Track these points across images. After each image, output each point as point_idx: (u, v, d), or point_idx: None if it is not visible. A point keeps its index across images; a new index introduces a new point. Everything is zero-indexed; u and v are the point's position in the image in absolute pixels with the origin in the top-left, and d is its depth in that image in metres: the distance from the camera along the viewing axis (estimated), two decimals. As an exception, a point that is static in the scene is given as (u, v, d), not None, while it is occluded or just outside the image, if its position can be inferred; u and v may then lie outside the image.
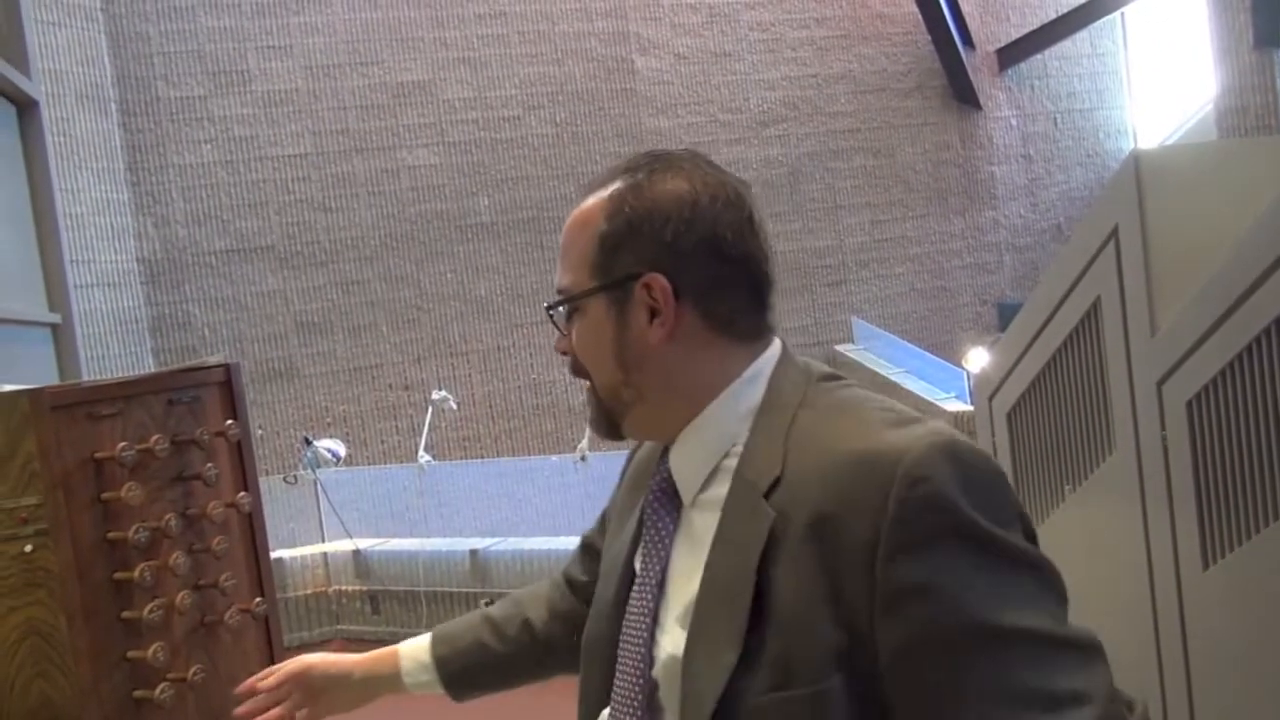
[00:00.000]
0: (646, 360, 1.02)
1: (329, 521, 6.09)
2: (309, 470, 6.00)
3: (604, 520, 1.36)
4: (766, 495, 0.94)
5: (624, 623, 1.07)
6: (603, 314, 1.02)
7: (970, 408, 8.32)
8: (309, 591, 5.85)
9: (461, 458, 9.00)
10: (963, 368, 9.80)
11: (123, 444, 1.68)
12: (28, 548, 1.57)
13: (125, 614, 1.68)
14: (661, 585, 1.03)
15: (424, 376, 9.53)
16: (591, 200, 1.04)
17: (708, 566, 0.97)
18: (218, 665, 1.84)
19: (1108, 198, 2.05)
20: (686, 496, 1.05)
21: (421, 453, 6.00)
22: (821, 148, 11.24)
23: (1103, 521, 2.15)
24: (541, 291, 9.81)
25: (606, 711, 1.08)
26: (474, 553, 5.46)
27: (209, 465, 1.85)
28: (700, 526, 1.03)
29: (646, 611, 1.03)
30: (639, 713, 1.01)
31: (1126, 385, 1.96)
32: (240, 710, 1.31)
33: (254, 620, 1.94)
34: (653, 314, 1.00)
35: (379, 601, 5.81)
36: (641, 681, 1.01)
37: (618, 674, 1.05)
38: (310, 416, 9.14)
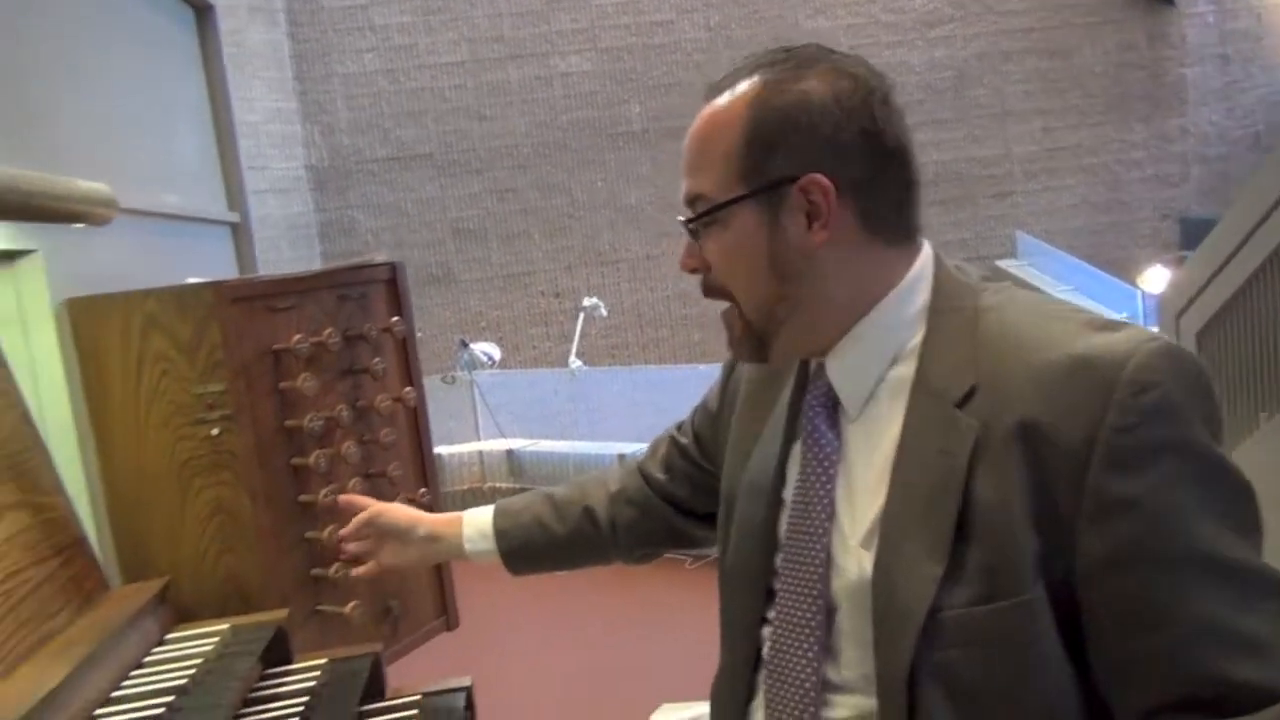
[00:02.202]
0: (805, 269, 0.96)
1: (484, 421, 6.31)
2: (465, 372, 6.21)
3: (695, 424, 1.33)
4: (960, 405, 0.90)
5: (786, 547, 1.03)
6: (753, 223, 0.96)
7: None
8: (465, 487, 6.10)
9: (609, 364, 9.14)
10: (1137, 287, 9.21)
11: (298, 336, 1.75)
12: (215, 431, 1.66)
13: (302, 497, 1.78)
14: (833, 505, 0.99)
15: (574, 284, 9.66)
16: (725, 100, 0.96)
17: (896, 482, 0.94)
18: (386, 550, 1.93)
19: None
20: (853, 410, 1.00)
21: (573, 358, 6.10)
22: (991, 49, 10.55)
23: (1304, 451, 1.98)
24: (692, 201, 9.72)
25: (767, 640, 1.05)
26: (621, 457, 5.56)
27: (377, 359, 1.92)
28: (866, 441, 0.99)
29: (820, 533, 0.98)
30: (817, 639, 0.98)
31: (1344, 303, 1.78)
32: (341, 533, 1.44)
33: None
34: (809, 218, 0.94)
35: (530, 500, 6.01)
36: (819, 606, 0.98)
37: (782, 600, 1.02)
38: (465, 320, 9.43)
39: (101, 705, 1.33)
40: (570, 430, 6.13)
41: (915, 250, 1.00)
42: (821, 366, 1.03)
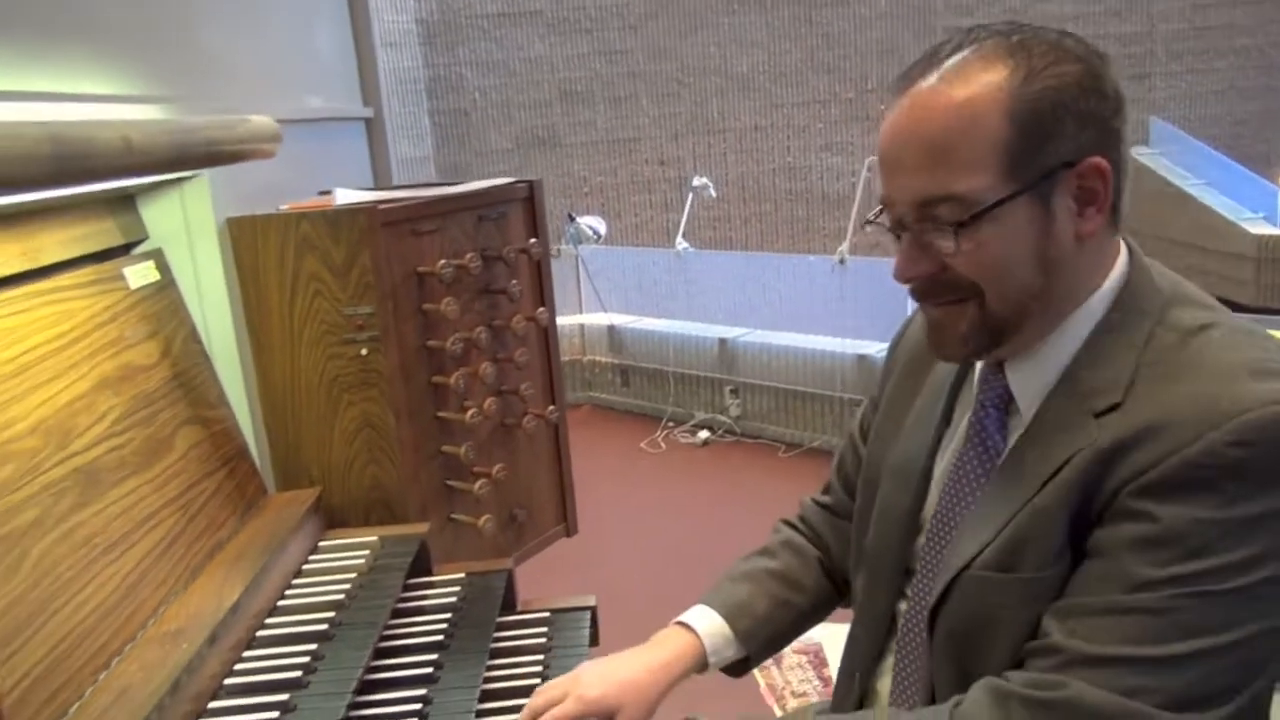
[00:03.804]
0: (1070, 259, 0.93)
1: (586, 294, 6.38)
2: (571, 245, 6.24)
3: (863, 426, 1.30)
4: (1099, 415, 0.91)
5: (930, 532, 1.07)
6: (1025, 216, 0.91)
7: (1278, 231, 7.38)
8: (566, 359, 6.22)
9: (710, 238, 9.05)
10: (1279, 185, 8.64)
11: (442, 261, 1.79)
12: (364, 351, 1.73)
13: (441, 414, 1.85)
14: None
15: (680, 154, 9.48)
16: (964, 90, 0.89)
17: (1009, 457, 0.99)
18: (516, 464, 2.02)
19: None
20: (1028, 411, 0.99)
21: (680, 239, 6.07)
22: (1146, -88, 9.68)
23: None
24: (806, 71, 9.34)
25: (902, 615, 1.11)
26: (723, 341, 5.59)
27: (514, 281, 1.95)
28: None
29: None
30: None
31: None
32: None
33: (547, 426, 2.09)
34: (1079, 205, 0.92)
35: (629, 375, 6.12)
36: None
37: (919, 581, 1.08)
38: (569, 185, 9.38)
39: (270, 614, 1.45)
40: (667, 306, 6.15)
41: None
42: (998, 367, 1.02)
